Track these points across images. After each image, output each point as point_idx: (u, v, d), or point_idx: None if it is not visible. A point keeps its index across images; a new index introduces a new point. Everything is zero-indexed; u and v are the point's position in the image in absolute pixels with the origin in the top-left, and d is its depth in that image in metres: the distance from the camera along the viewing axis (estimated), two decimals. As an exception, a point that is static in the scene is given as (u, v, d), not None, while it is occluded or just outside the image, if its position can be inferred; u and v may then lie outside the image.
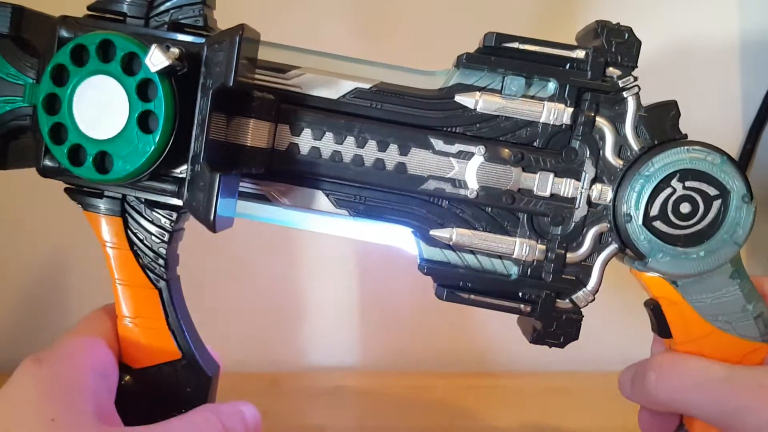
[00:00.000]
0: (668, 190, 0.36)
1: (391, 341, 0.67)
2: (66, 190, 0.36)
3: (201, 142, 0.32)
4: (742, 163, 0.63)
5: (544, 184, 0.36)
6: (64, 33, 0.34)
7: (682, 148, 0.35)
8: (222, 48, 0.31)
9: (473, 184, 0.36)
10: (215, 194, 0.31)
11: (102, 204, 0.36)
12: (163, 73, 0.31)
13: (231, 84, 0.31)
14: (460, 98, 0.36)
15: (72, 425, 0.31)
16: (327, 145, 0.36)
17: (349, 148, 0.36)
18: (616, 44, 0.35)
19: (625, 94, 0.36)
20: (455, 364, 0.67)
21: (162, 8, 0.35)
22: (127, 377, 0.36)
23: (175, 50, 0.32)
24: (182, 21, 0.34)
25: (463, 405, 0.60)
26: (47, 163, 0.35)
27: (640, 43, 0.35)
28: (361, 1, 0.61)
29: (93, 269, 0.52)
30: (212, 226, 0.32)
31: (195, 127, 0.32)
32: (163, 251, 0.36)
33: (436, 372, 0.66)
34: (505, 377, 0.66)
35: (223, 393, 0.39)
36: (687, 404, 0.36)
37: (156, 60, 0.31)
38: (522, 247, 0.37)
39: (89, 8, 0.35)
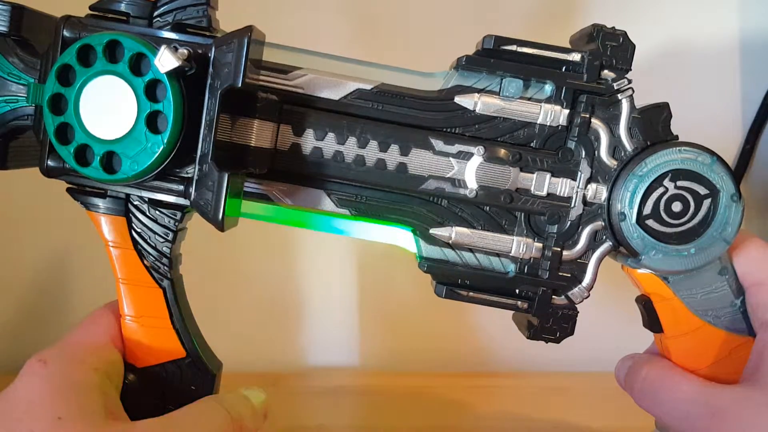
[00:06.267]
0: (660, 190, 0.37)
1: (391, 341, 0.68)
2: (68, 190, 0.36)
3: (209, 143, 0.32)
4: (742, 163, 0.63)
5: (541, 183, 0.37)
6: (68, 33, 0.34)
7: (674, 149, 0.36)
8: (230, 49, 0.32)
9: (472, 184, 0.37)
10: (224, 194, 0.32)
11: (105, 204, 0.36)
12: (172, 74, 0.31)
13: (240, 85, 0.32)
14: (460, 99, 0.37)
15: (79, 422, 0.31)
16: (329, 145, 0.36)
17: (350, 149, 0.36)
18: (611, 48, 0.36)
19: (619, 96, 0.37)
20: (455, 364, 0.68)
21: (165, 8, 0.35)
22: (131, 376, 0.37)
23: (183, 51, 0.32)
24: (186, 21, 0.35)
25: (463, 405, 0.61)
26: (51, 163, 0.35)
27: (634, 46, 0.36)
28: (361, 2, 0.61)
29: (96, 268, 0.52)
30: (221, 226, 0.32)
31: (203, 127, 0.32)
32: (167, 250, 0.36)
33: (436, 372, 0.67)
34: (505, 377, 0.67)
35: (223, 392, 0.39)
36: (659, 419, 0.38)
37: (165, 61, 0.31)
38: (519, 245, 0.38)
39: (91, 8, 0.35)
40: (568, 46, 0.38)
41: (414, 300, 0.66)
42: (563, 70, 0.37)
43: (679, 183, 0.37)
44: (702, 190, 0.37)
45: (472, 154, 0.37)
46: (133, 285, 0.36)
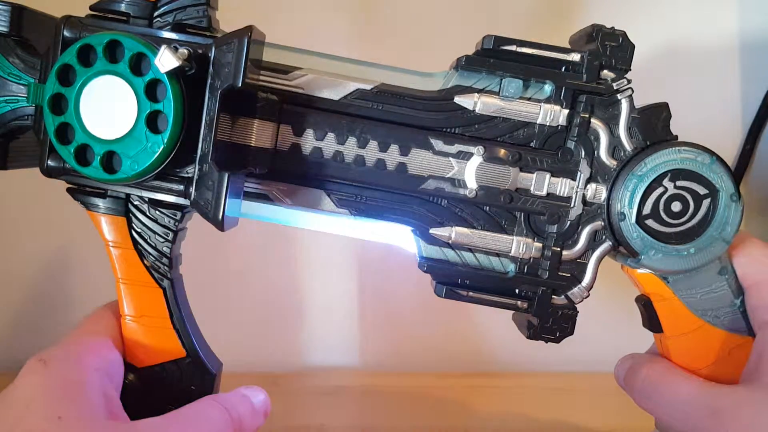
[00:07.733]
0: (660, 189, 0.37)
1: (391, 341, 0.68)
2: (68, 190, 0.36)
3: (209, 142, 0.32)
4: (742, 163, 0.63)
5: (541, 183, 0.37)
6: (68, 33, 0.34)
7: (673, 148, 0.36)
8: (230, 49, 0.32)
9: (472, 184, 0.37)
10: (224, 193, 0.32)
11: (105, 204, 0.36)
12: (172, 73, 0.32)
13: (240, 85, 0.32)
14: (459, 99, 0.37)
15: (79, 422, 0.31)
16: (329, 145, 0.36)
17: (350, 149, 0.37)
18: (611, 48, 0.36)
19: (618, 96, 0.37)
20: (455, 364, 0.68)
21: (166, 9, 0.35)
22: (132, 376, 0.37)
23: (184, 51, 0.32)
24: (186, 22, 0.35)
25: (463, 405, 0.61)
26: (51, 162, 0.35)
27: (633, 46, 0.36)
28: (361, 2, 0.61)
29: (95, 268, 0.52)
30: (221, 225, 0.32)
31: (203, 127, 0.33)
32: (167, 250, 0.36)
33: (436, 372, 0.67)
34: (505, 377, 0.67)
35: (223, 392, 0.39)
36: (659, 419, 0.38)
37: (166, 61, 0.31)
38: (519, 245, 0.38)
39: (92, 8, 0.35)
40: (568, 46, 0.38)
41: (414, 300, 0.66)
42: (563, 70, 0.37)
43: (679, 183, 0.37)
44: (701, 190, 0.37)
45: (471, 154, 0.37)
46: (133, 285, 0.36)
